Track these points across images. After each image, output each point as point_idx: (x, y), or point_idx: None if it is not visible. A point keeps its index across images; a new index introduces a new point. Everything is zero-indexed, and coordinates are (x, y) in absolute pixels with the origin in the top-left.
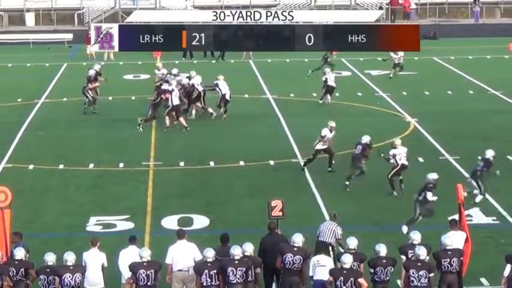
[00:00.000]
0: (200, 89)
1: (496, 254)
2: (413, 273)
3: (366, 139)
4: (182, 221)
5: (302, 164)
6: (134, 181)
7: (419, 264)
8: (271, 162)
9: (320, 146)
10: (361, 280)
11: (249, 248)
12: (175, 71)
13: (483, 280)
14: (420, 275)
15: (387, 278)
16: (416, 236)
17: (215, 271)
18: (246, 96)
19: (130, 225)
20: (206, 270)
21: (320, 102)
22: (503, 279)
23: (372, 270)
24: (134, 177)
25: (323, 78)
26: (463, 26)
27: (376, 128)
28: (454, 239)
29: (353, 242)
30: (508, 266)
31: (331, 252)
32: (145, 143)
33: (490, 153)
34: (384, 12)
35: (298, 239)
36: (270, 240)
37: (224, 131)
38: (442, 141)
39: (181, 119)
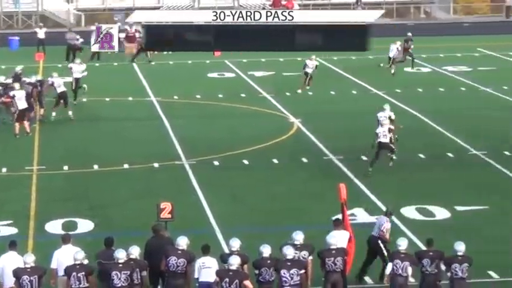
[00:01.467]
0: (60, 90)
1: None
2: (284, 273)
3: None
4: (67, 225)
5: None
6: (18, 186)
7: (289, 263)
8: (156, 165)
9: None
10: (246, 282)
11: (135, 251)
12: (18, 70)
13: (367, 279)
14: (292, 274)
15: (272, 279)
16: (298, 237)
17: (83, 273)
18: (130, 98)
19: (13, 230)
20: (74, 273)
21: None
22: (385, 277)
23: (257, 272)
24: (18, 182)
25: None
26: None
27: (260, 129)
28: (338, 239)
29: (235, 244)
30: (390, 264)
31: (381, 246)
32: (28, 147)
33: None
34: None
35: (182, 242)
36: (155, 243)
37: (107, 134)
38: (325, 141)
39: (26, 123)
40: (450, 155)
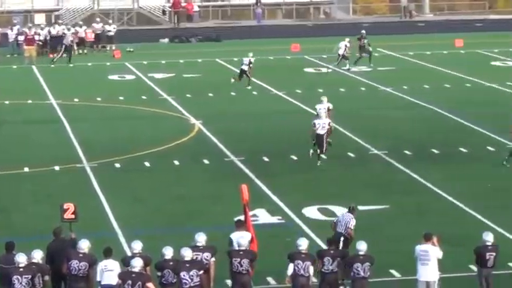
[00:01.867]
0: None
1: (282, 253)
2: (183, 275)
3: None
4: None
5: None
6: None
7: (188, 265)
8: (56, 168)
9: None
10: (149, 284)
11: (37, 255)
12: None
13: (269, 279)
14: (192, 275)
15: (175, 281)
16: (200, 238)
17: None
18: (29, 101)
19: None
20: None
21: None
22: (287, 277)
23: (159, 273)
24: None
25: None
26: (245, 27)
27: (161, 131)
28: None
29: (137, 246)
30: (291, 264)
31: (341, 243)
32: None
33: None
34: (168, 15)
35: (84, 245)
36: (56, 246)
37: (7, 138)
38: (227, 143)
39: None
40: (351, 154)
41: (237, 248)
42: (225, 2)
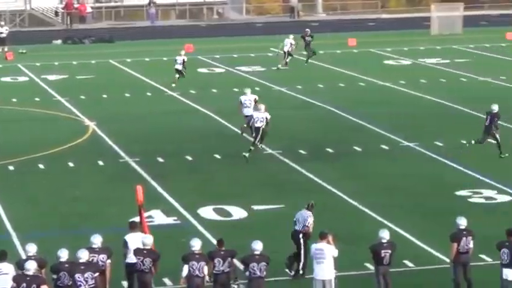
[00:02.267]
0: None
1: (178, 254)
2: (78, 277)
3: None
4: None
5: None
6: None
7: (83, 267)
8: None
9: None
10: (44, 287)
11: None
12: None
13: (166, 280)
14: (86, 277)
15: (71, 283)
16: (96, 240)
17: None
18: None
19: None
20: None
21: None
22: (182, 279)
23: (55, 276)
24: None
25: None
26: (139, 28)
27: (55, 133)
28: (135, 240)
29: (32, 249)
30: (186, 266)
31: (301, 240)
32: None
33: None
34: (60, 17)
35: None
36: None
37: None
38: (121, 144)
39: None
40: (245, 154)
41: (141, 247)
42: (118, 3)
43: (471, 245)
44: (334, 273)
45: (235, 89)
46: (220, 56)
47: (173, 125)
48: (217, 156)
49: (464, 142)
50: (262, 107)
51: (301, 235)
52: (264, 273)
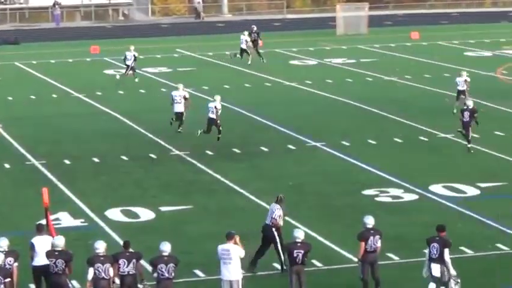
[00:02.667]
0: None
1: (86, 256)
2: None
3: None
4: None
5: None
6: None
7: None
8: None
9: None
10: None
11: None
12: None
13: (74, 283)
14: None
15: None
16: (2, 243)
17: None
18: None
19: None
20: None
21: None
22: (88, 282)
23: None
24: None
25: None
26: (43, 30)
27: None
28: (42, 243)
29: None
30: (91, 269)
31: (275, 233)
32: None
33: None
34: None
35: None
36: None
37: None
38: (27, 146)
39: None
40: (153, 155)
41: (53, 249)
42: (23, 5)
43: (379, 244)
44: (241, 273)
45: (142, 91)
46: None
47: (79, 126)
48: (124, 157)
49: (468, 145)
50: (217, 98)
51: (274, 229)
52: (173, 274)
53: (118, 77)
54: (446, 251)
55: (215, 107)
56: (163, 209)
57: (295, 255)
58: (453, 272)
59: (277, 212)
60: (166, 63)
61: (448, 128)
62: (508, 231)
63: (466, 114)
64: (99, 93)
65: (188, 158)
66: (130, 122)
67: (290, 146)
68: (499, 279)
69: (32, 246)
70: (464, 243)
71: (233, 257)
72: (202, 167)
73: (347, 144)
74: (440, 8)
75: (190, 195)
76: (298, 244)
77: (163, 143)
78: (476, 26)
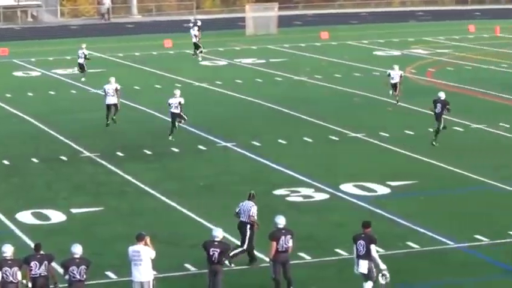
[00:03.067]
0: None
1: None
2: None
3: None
4: None
5: None
6: None
7: None
8: None
9: None
10: None
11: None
12: None
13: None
14: None
15: None
16: None
17: None
18: None
19: None
20: None
21: None
22: None
23: None
24: None
25: None
26: None
27: None
28: None
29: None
30: None
31: (248, 231)
32: None
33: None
34: None
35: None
36: None
37: None
38: None
39: None
40: (63, 158)
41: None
42: None
43: (290, 244)
44: (152, 274)
45: (52, 92)
46: (36, 59)
47: None
48: (35, 160)
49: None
50: (177, 92)
51: (248, 226)
52: (84, 276)
53: (83, 79)
54: (373, 247)
55: (179, 102)
56: (74, 210)
57: (211, 253)
58: (382, 266)
59: (253, 209)
60: (75, 65)
61: (358, 128)
62: (418, 229)
63: (439, 105)
64: (8, 96)
65: (99, 160)
66: (40, 124)
67: (201, 147)
68: (410, 278)
69: None
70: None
71: (143, 258)
72: (113, 168)
73: (258, 144)
74: (350, 7)
75: (101, 196)
76: (216, 243)
77: (73, 144)
78: (385, 25)
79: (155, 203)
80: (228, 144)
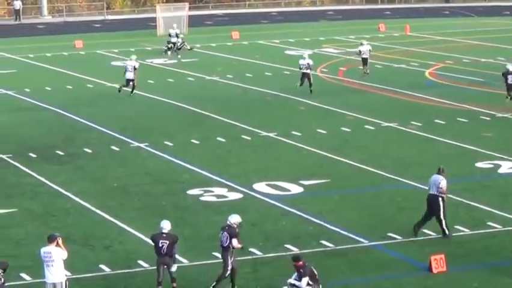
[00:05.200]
0: None
1: None
2: None
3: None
4: None
5: None
6: None
7: None
8: None
9: None
10: None
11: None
12: None
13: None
14: None
15: None
16: None
17: None
18: None
19: None
20: None
21: None
22: None
23: None
24: None
25: None
26: None
27: None
28: None
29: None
30: None
31: (440, 203)
32: None
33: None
34: None
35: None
36: None
37: None
38: None
39: None
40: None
41: None
42: None
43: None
44: (65, 275)
45: None
46: None
47: None
48: None
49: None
50: (133, 57)
51: (440, 198)
52: (3, 280)
53: None
54: (304, 280)
55: (134, 66)
56: None
57: (160, 245)
58: None
59: (442, 182)
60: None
61: (269, 127)
62: (331, 227)
63: (510, 77)
64: None
65: (11, 161)
66: None
67: (114, 147)
68: (324, 276)
69: None
70: (289, 240)
71: (55, 259)
72: (26, 169)
73: (171, 144)
74: (260, 7)
75: (14, 198)
76: (164, 235)
77: None
78: (296, 25)
79: (68, 204)
80: (141, 145)
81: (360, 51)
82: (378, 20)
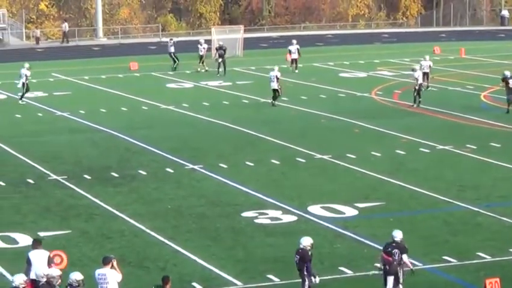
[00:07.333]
0: None
1: None
2: None
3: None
4: None
5: None
6: None
7: None
8: None
9: None
10: None
11: None
12: None
13: None
14: None
15: None
16: None
17: None
18: None
19: None
20: None
21: None
22: None
23: None
24: None
25: None
26: None
27: None
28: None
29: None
30: None
31: None
32: None
33: None
34: None
35: None
36: None
37: None
38: None
39: None
40: (30, 181)
41: None
42: None
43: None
44: None
45: (18, 115)
46: (1, 82)
47: None
48: (1, 183)
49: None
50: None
51: None
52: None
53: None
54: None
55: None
56: (42, 234)
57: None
58: None
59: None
60: (41, 88)
61: (324, 150)
62: None
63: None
64: None
65: (66, 183)
66: (6, 147)
67: (168, 169)
68: None
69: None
70: (343, 263)
71: (110, 281)
72: (81, 191)
73: (225, 166)
74: (315, 29)
75: (69, 220)
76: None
77: (40, 167)
78: (350, 47)
79: (123, 226)
80: (195, 167)
81: (421, 65)
82: (433, 43)
